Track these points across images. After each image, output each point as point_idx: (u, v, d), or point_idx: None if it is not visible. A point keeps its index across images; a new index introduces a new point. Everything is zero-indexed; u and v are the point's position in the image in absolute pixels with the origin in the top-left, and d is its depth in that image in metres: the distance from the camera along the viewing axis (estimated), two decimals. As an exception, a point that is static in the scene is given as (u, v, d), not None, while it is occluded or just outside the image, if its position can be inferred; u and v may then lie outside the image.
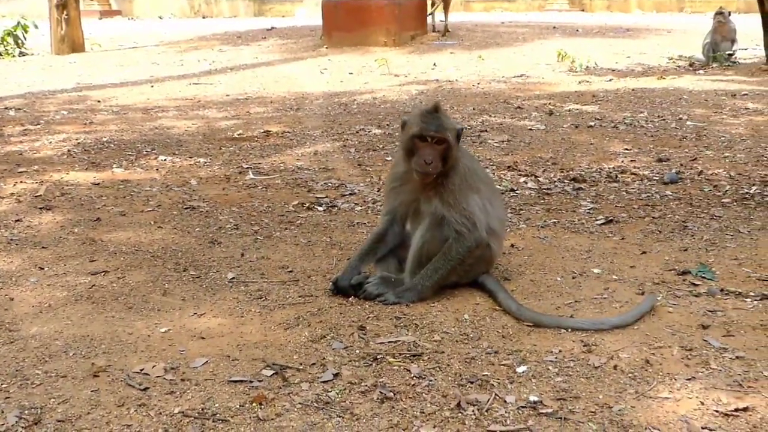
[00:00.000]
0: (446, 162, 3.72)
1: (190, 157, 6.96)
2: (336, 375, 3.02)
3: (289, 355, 3.19)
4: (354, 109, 9.47)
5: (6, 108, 9.82)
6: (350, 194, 5.73)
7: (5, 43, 16.02)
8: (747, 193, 5.55)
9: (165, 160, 6.86)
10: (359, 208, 5.41)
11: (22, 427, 2.69)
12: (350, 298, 3.76)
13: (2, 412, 2.77)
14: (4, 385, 2.96)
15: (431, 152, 3.68)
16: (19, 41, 16.24)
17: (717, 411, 2.73)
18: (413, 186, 3.84)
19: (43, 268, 4.23)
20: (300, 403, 2.83)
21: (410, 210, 3.91)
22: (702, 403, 2.78)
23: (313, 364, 3.12)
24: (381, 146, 7.36)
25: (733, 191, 5.61)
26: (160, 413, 2.78)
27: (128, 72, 13.50)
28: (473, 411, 2.75)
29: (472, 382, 2.94)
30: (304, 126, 8.43)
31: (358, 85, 11.59)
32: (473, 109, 9.17)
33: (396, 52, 14.61)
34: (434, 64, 13.33)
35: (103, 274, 4.15)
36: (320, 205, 5.45)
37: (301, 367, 3.09)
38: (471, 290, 3.83)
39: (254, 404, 2.81)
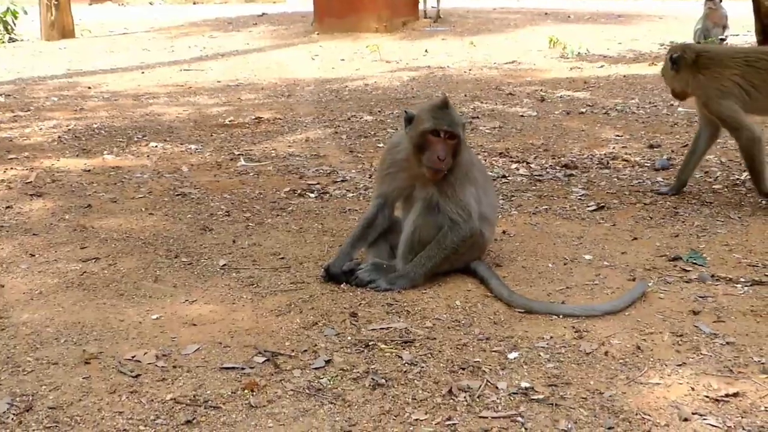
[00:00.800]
0: (455, 156, 3.72)
1: (181, 144, 6.94)
2: (328, 362, 3.02)
3: (281, 342, 3.19)
4: (345, 96, 9.45)
5: (-5, 94, 9.76)
6: (342, 181, 5.72)
7: (-5, 29, 15.90)
8: (737, 179, 5.56)
9: (156, 146, 6.83)
10: (351, 194, 5.40)
11: (14, 413, 2.68)
12: (342, 285, 3.75)
13: (-7, 399, 2.77)
14: (-5, 373, 2.96)
15: (443, 148, 3.67)
16: (9, 27, 16.12)
17: (707, 396, 2.74)
18: (410, 174, 3.84)
19: (33, 255, 4.21)
20: (292, 390, 2.83)
21: (402, 196, 3.91)
22: (692, 389, 2.79)
23: (305, 350, 3.12)
24: (373, 133, 7.34)
25: (723, 177, 5.63)
26: (152, 400, 2.77)
27: (119, 58, 13.42)
28: (465, 397, 2.76)
29: (463, 369, 2.95)
30: (295, 113, 8.40)
31: (349, 71, 11.55)
32: (465, 95, 9.15)
33: (387, 38, 14.55)
34: (426, 51, 13.29)
35: (94, 260, 4.13)
36: (312, 192, 5.44)
37: (293, 354, 3.09)
38: (463, 277, 3.83)
39: (246, 391, 2.81)
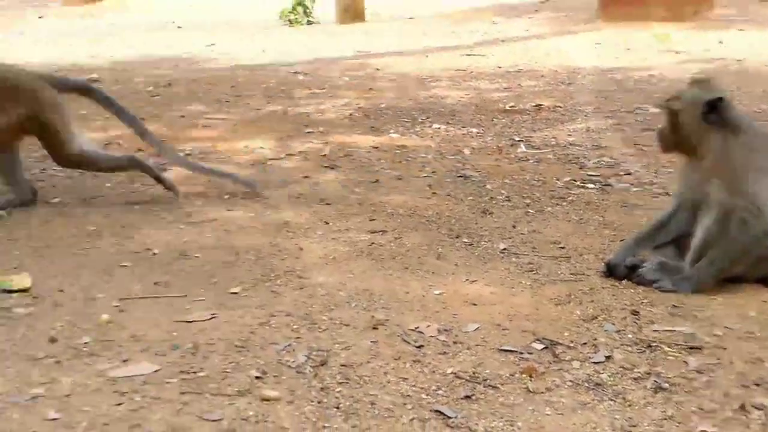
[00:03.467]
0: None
1: (463, 127, 7.08)
2: (608, 357, 2.97)
3: (560, 332, 3.19)
4: (629, 86, 9.12)
5: (296, 72, 10.55)
6: (625, 174, 5.55)
7: (295, 12, 17.17)
8: None
9: (439, 128, 7.04)
10: (635, 189, 5.22)
11: (311, 366, 2.92)
12: (622, 281, 3.66)
13: (294, 350, 3.03)
14: (295, 326, 3.23)
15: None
16: (308, 10, 17.33)
17: None
18: (695, 166, 3.66)
19: (328, 223, 4.53)
20: (570, 381, 2.82)
21: (698, 195, 3.67)
22: None
23: (584, 343, 3.09)
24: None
25: None
26: (434, 371, 2.89)
27: (403, 41, 13.94)
28: (759, 416, 2.59)
29: (758, 385, 2.77)
30: (575, 101, 8.25)
31: (633, 61, 11.10)
32: (763, 91, 8.47)
33: (676, 27, 13.77)
34: (720, 41, 12.44)
35: (381, 233, 4.37)
36: (592, 183, 5.34)
37: (571, 345, 3.07)
38: (757, 286, 3.58)
39: (524, 375, 2.85)
